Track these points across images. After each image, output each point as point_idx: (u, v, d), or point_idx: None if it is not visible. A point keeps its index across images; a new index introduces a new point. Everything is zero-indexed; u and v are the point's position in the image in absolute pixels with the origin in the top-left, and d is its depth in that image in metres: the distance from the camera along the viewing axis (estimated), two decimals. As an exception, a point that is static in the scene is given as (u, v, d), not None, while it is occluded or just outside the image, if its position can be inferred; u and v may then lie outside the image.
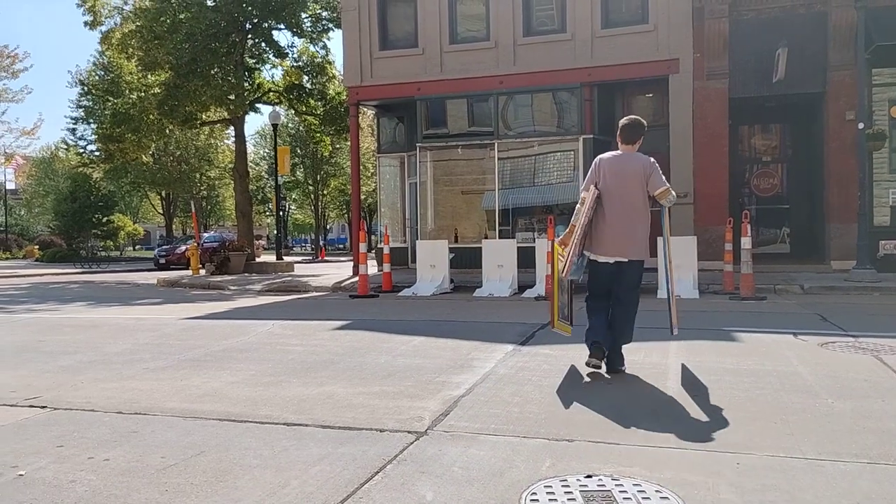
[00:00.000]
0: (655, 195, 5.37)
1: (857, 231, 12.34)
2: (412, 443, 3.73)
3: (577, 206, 5.46)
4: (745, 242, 10.87)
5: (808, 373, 5.23)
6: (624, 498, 2.92)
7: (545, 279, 11.49)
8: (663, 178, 5.43)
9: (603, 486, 3.06)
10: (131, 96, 24.80)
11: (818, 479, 3.09)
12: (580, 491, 3.01)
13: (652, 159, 5.47)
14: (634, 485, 3.06)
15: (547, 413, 4.27)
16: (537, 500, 2.93)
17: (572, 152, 15.79)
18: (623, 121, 5.62)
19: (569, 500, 2.92)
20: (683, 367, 5.54)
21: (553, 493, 3.00)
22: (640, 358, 5.94)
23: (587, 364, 5.37)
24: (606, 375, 5.34)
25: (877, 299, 10.54)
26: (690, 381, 5.03)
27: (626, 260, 5.41)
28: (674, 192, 5.52)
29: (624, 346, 5.51)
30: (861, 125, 12.31)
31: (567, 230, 5.48)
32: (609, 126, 16.01)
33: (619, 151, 5.56)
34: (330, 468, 3.37)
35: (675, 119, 14.85)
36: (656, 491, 2.98)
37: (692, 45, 14.65)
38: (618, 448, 3.58)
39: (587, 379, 5.18)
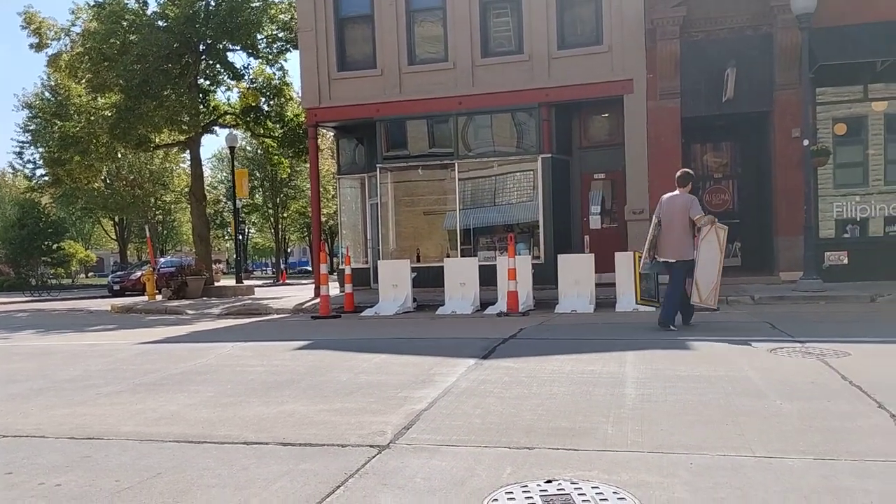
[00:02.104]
0: (694, 220, 8.56)
1: (804, 243, 12.75)
2: (374, 456, 3.74)
3: (651, 229, 8.85)
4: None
5: (758, 377, 5.40)
6: (583, 500, 2.98)
7: (509, 295, 11.60)
8: (699, 209, 8.60)
9: (563, 490, 3.12)
10: (80, 120, 24.26)
11: (768, 476, 3.20)
12: (540, 496, 3.06)
13: (694, 197, 8.71)
14: (593, 487, 3.13)
15: (508, 423, 4.32)
16: (498, 505, 2.97)
17: (531, 171, 16.02)
18: (678, 172, 8.91)
19: (529, 504, 2.97)
20: (640, 375, 5.65)
21: (514, 498, 3.05)
22: (599, 368, 6.04)
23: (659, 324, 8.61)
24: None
25: (823, 307, 10.90)
26: (646, 388, 5.14)
27: (675, 260, 8.69)
28: (706, 217, 8.64)
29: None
30: (806, 142, 12.78)
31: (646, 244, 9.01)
32: (567, 145, 16.36)
33: (676, 192, 8.79)
34: (291, 484, 3.36)
35: (629, 138, 15.20)
36: (614, 493, 3.05)
37: (645, 65, 15.05)
38: (577, 454, 3.65)
39: (548, 389, 5.25)
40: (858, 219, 14.19)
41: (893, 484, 3.05)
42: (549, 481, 3.23)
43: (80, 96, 26.01)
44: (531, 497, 3.05)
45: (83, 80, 21.97)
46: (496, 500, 3.04)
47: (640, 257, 9.27)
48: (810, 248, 12.66)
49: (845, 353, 6.27)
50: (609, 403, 4.73)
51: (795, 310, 10.61)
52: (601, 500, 2.98)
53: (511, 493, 3.11)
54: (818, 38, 13.05)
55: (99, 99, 22.97)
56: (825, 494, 2.96)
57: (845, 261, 13.96)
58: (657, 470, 3.34)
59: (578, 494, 3.05)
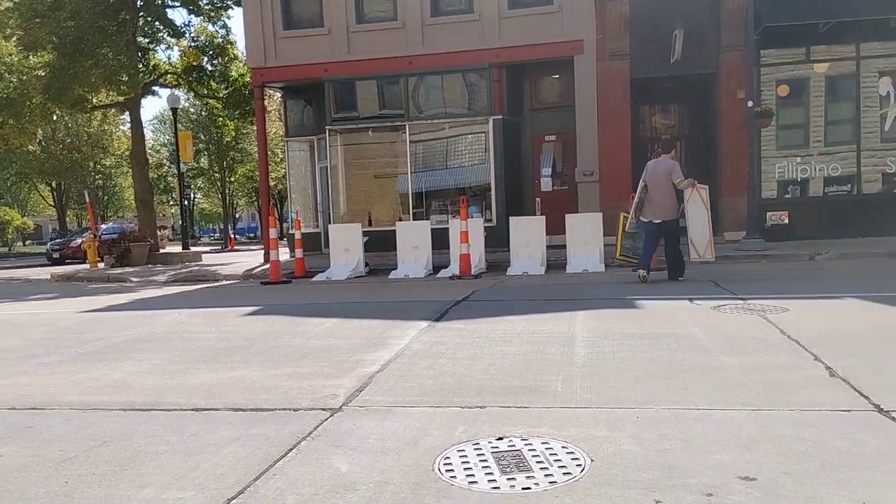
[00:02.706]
0: (675, 183, 9.19)
1: (747, 204, 13.11)
2: (327, 419, 3.73)
3: (637, 191, 9.46)
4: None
5: (702, 333, 5.56)
6: (533, 455, 3.04)
7: (461, 258, 11.63)
8: (681, 173, 9.22)
9: (513, 446, 3.17)
10: (11, 79, 23.05)
11: (709, 427, 3.31)
12: (491, 452, 3.11)
13: (676, 162, 9.32)
14: (543, 443, 3.19)
15: (460, 383, 4.36)
16: (451, 463, 3.01)
17: (483, 134, 15.98)
18: (664, 138, 9.18)
19: (481, 461, 3.01)
20: (590, 333, 5.76)
21: (466, 456, 3.09)
22: (550, 327, 6.13)
23: (638, 275, 9.35)
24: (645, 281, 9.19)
25: (764, 265, 11.27)
26: (596, 346, 5.24)
27: (660, 220, 9.32)
28: (686, 181, 9.29)
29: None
30: (750, 103, 13.04)
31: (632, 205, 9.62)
32: (518, 107, 16.33)
33: (660, 157, 9.52)
34: (242, 449, 3.33)
35: (580, 99, 15.27)
36: (563, 447, 3.12)
37: (595, 26, 15.07)
38: (527, 411, 3.71)
39: (500, 349, 5.31)
40: (799, 179, 14.64)
41: (828, 431, 3.19)
42: (500, 438, 3.28)
43: (10, 55, 24.69)
44: (483, 454, 3.09)
45: (13, 38, 20.82)
46: (448, 458, 3.08)
47: (626, 218, 9.92)
48: (753, 209, 13.03)
49: (784, 308, 6.51)
50: (560, 362, 4.81)
51: (738, 268, 10.94)
52: (550, 454, 3.04)
53: (463, 450, 3.15)
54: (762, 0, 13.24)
55: (31, 58, 21.83)
56: (764, 443, 3.08)
57: (786, 220, 14.43)
58: (605, 424, 3.42)
59: (529, 450, 3.11)
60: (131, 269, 17.12)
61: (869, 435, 3.13)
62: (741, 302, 7.10)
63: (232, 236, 46.26)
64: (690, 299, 7.45)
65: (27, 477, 3.11)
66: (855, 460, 2.85)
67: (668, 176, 9.19)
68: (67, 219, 51.45)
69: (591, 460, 2.95)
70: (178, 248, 27.66)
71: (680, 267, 9.55)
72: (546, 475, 2.83)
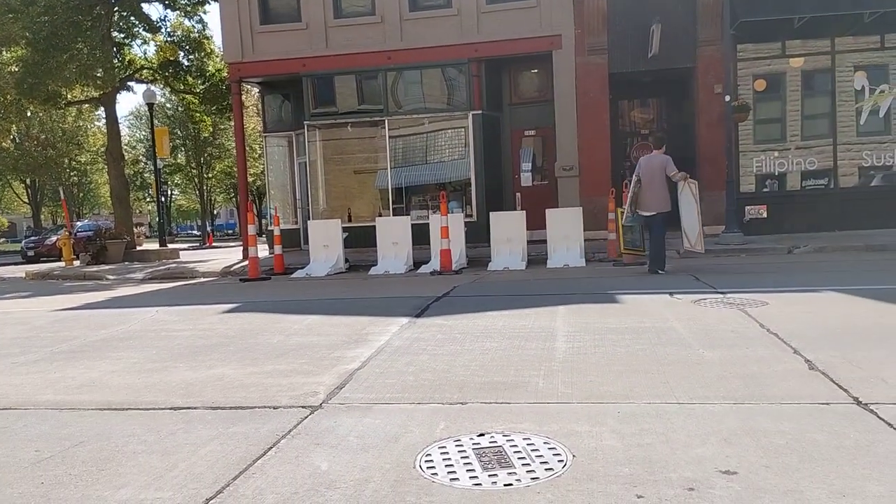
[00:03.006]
0: (669, 175, 9.61)
1: (726, 198, 13.22)
2: (307, 417, 3.69)
3: (631, 186, 9.81)
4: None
5: (682, 327, 5.59)
6: (514, 451, 3.03)
7: (442, 254, 11.60)
8: (674, 167, 9.63)
9: (495, 442, 3.16)
10: (-16, 75, 22.63)
11: (690, 421, 3.32)
12: (473, 449, 3.09)
13: (668, 157, 9.73)
14: (524, 439, 3.17)
15: (441, 379, 4.34)
16: (432, 460, 2.99)
17: (462, 129, 15.95)
18: (654, 136, 9.98)
19: (462, 458, 2.99)
20: (570, 328, 5.77)
21: (447, 452, 3.07)
22: (531, 322, 6.13)
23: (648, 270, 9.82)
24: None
25: (743, 259, 11.38)
26: (577, 341, 5.24)
27: (655, 213, 9.67)
28: (680, 174, 9.70)
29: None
30: (727, 98, 13.15)
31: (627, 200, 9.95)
32: (497, 102, 16.32)
33: (652, 153, 9.95)
34: (221, 448, 3.28)
35: (559, 94, 15.29)
36: (544, 443, 3.11)
37: (573, 21, 15.09)
38: (509, 406, 3.70)
39: (480, 345, 5.30)
40: (777, 173, 14.79)
41: (807, 424, 3.21)
42: (481, 434, 3.26)
43: (-18, 51, 24.24)
44: (464, 450, 3.07)
45: (-15, 34, 20.42)
46: (430, 454, 3.05)
47: (622, 213, 10.27)
48: (731, 203, 13.14)
49: (764, 302, 6.56)
50: (541, 357, 4.80)
51: (718, 262, 11.03)
52: (532, 450, 3.03)
53: (444, 447, 3.13)
54: (740, -5, 13.34)
55: (4, 53, 21.45)
56: (744, 436, 3.09)
57: (765, 214, 14.57)
58: (586, 419, 3.41)
59: (510, 446, 3.09)
60: (107, 267, 16.88)
61: (848, 428, 3.15)
62: (721, 296, 7.15)
63: (210, 233, 45.81)
64: (671, 293, 7.49)
65: (2, 478, 3.05)
66: (835, 453, 2.86)
67: (663, 170, 9.58)
68: (42, 216, 50.65)
69: (573, 455, 2.95)
70: (155, 246, 27.32)
71: (661, 260, 9.76)
72: (528, 471, 2.81)
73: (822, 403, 3.51)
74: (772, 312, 6.05)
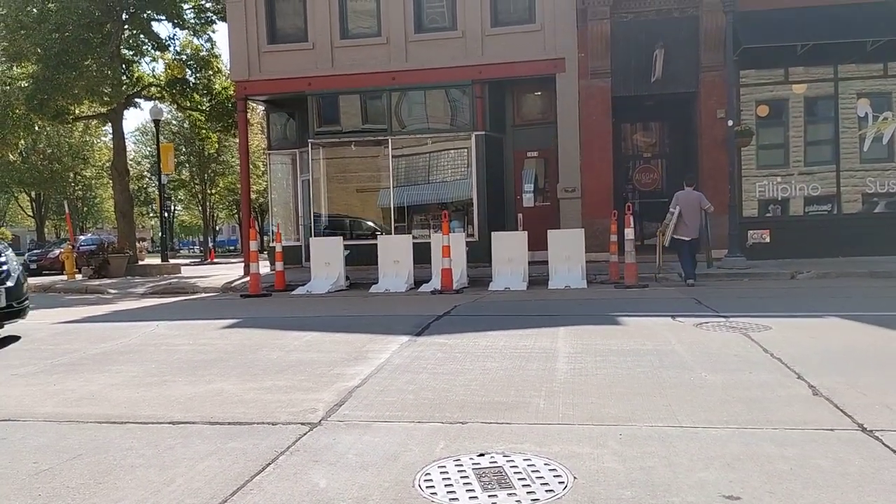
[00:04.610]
0: (704, 209, 11.52)
1: (728, 222, 13.21)
2: (306, 434, 3.67)
3: (668, 216, 11.65)
4: (629, 234, 11.41)
5: (685, 350, 5.56)
6: (515, 472, 3.00)
7: (443, 273, 11.58)
8: (708, 201, 11.62)
9: (495, 462, 3.13)
10: (-6, 90, 22.83)
11: (692, 445, 3.29)
12: (473, 469, 3.06)
13: (701, 193, 11.85)
14: (525, 460, 3.15)
15: (441, 398, 4.31)
16: (431, 480, 2.96)
17: (465, 149, 16.01)
18: (688, 175, 12.51)
19: (462, 478, 2.96)
20: (572, 349, 5.74)
21: (447, 472, 3.04)
22: (532, 343, 6.10)
23: (687, 283, 11.31)
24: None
25: (746, 284, 11.35)
26: (578, 362, 5.22)
27: (690, 238, 11.50)
28: (710, 205, 11.62)
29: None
30: (730, 123, 13.20)
31: (662, 226, 11.84)
32: (500, 123, 16.41)
33: (687, 189, 11.74)
34: (219, 463, 3.26)
35: (561, 116, 15.35)
36: (545, 464, 3.08)
37: (577, 45, 15.19)
38: (510, 427, 3.67)
39: (481, 365, 5.27)
40: (780, 198, 14.79)
41: (811, 450, 3.18)
42: (481, 454, 3.23)
43: (-7, 66, 24.50)
44: (464, 470, 3.04)
45: (-2, 49, 20.68)
46: (429, 474, 3.03)
47: (662, 234, 11.89)
48: (734, 227, 13.13)
49: (767, 327, 6.53)
50: (541, 378, 4.78)
51: (720, 286, 11.01)
52: (533, 471, 3.00)
53: (444, 466, 3.10)
54: (742, 21, 13.45)
55: (14, 69, 21.67)
56: (747, 461, 3.06)
57: (767, 239, 14.54)
58: (588, 441, 3.39)
59: (511, 467, 3.07)
60: (109, 281, 16.88)
61: (853, 454, 3.12)
62: (723, 320, 7.12)
63: (212, 249, 45.86)
64: (673, 316, 7.46)
65: (-3, 491, 3.02)
66: (839, 480, 2.83)
67: (699, 203, 11.49)
68: (46, 229, 50.73)
69: (574, 477, 2.92)
70: (157, 261, 27.34)
71: (693, 273, 11.39)
72: (528, 492, 2.78)
73: (827, 429, 3.48)
74: (775, 337, 6.02)
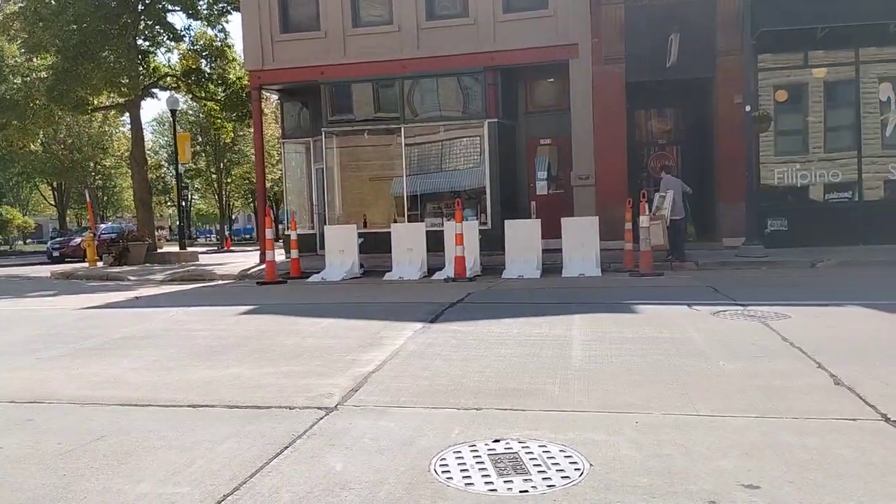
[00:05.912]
0: (685, 192, 12.62)
1: (746, 210, 13.07)
2: (322, 418, 3.70)
3: (658, 199, 12.41)
4: (643, 221, 11.34)
5: (702, 339, 5.53)
6: (530, 458, 3.01)
7: (456, 261, 11.58)
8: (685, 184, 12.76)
9: (510, 448, 3.14)
10: (15, 81, 23.09)
11: (710, 433, 3.27)
12: (488, 455, 3.07)
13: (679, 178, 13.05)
14: (540, 446, 3.15)
15: (456, 384, 4.32)
16: (447, 465, 2.98)
17: (478, 137, 15.94)
18: (666, 164, 13.94)
19: (477, 463, 2.98)
20: (586, 337, 5.73)
21: (462, 457, 3.05)
22: (546, 330, 6.10)
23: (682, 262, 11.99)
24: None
25: (764, 272, 11.24)
26: (593, 350, 5.21)
27: (680, 218, 12.35)
28: (688, 188, 12.82)
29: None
30: (748, 108, 13.00)
31: (656, 210, 12.19)
32: (513, 110, 16.32)
33: (669, 176, 12.79)
34: (237, 445, 3.30)
35: (575, 103, 15.23)
36: (560, 451, 3.08)
37: (590, 30, 15.03)
38: (525, 413, 3.68)
39: (495, 351, 5.28)
40: (799, 185, 14.55)
41: (832, 440, 3.14)
42: (496, 440, 3.25)
43: (14, 58, 24.75)
44: (479, 456, 3.06)
45: (17, 41, 20.92)
46: (444, 459, 3.04)
47: (664, 218, 12.27)
48: (752, 215, 12.98)
49: (786, 315, 6.47)
50: (556, 365, 4.78)
51: (738, 274, 10.91)
52: (548, 458, 3.01)
53: (459, 452, 3.12)
54: (759, 4, 13.20)
55: (35, 60, 21.92)
56: (766, 450, 3.04)
57: (786, 227, 14.35)
58: (603, 428, 3.38)
59: (526, 453, 3.07)
60: (129, 268, 17.07)
61: (877, 445, 3.07)
62: (741, 308, 7.06)
63: (228, 237, 46.15)
64: (689, 305, 7.41)
65: (26, 469, 3.10)
66: (862, 470, 2.80)
67: (681, 186, 12.51)
68: (67, 218, 51.34)
69: (590, 465, 2.92)
70: (174, 248, 27.57)
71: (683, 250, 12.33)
72: (544, 479, 2.79)
73: (849, 419, 3.44)
74: (794, 326, 5.97)
